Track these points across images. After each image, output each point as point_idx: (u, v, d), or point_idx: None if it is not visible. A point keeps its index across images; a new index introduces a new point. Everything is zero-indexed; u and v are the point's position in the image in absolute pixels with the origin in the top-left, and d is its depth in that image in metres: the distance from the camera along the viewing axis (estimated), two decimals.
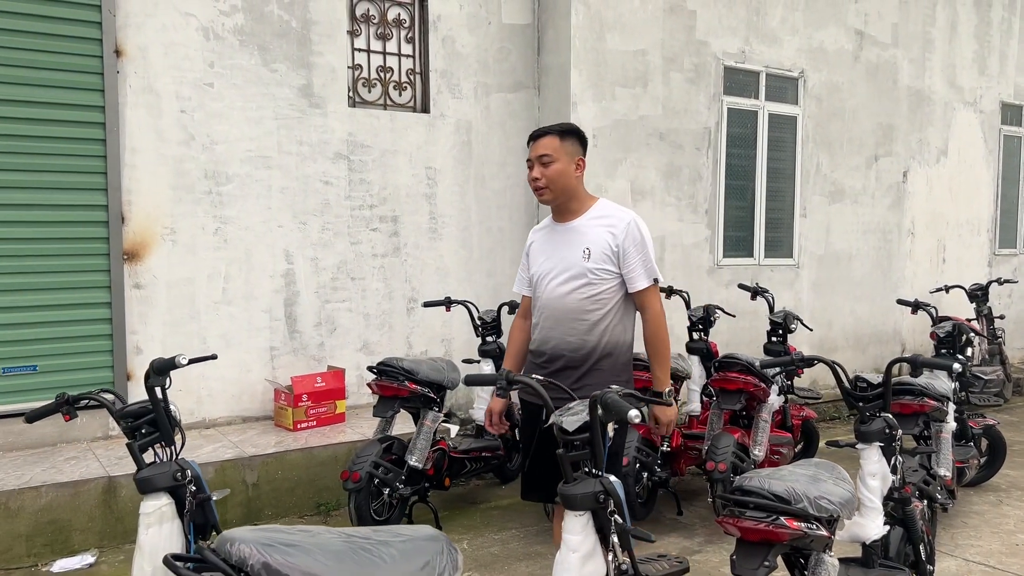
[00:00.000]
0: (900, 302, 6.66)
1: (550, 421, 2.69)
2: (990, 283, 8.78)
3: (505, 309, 5.74)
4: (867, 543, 3.59)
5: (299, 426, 5.64)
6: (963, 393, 5.93)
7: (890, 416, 3.67)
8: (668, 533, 5.00)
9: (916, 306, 6.78)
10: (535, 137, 3.44)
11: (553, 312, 3.44)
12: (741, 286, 6.35)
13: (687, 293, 6.16)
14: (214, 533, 3.04)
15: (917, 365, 3.54)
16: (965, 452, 5.41)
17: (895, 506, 3.76)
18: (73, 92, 5.20)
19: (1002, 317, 8.73)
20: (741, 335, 7.49)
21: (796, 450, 5.90)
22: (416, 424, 4.90)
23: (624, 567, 2.73)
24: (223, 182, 5.71)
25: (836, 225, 8.35)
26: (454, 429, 5.99)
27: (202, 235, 5.63)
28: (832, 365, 3.76)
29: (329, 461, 5.33)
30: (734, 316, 6.22)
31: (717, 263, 7.53)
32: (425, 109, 6.53)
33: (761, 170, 7.80)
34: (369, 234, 6.29)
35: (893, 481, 3.71)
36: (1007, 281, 8.90)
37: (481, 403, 5.64)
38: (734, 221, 7.67)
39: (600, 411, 2.54)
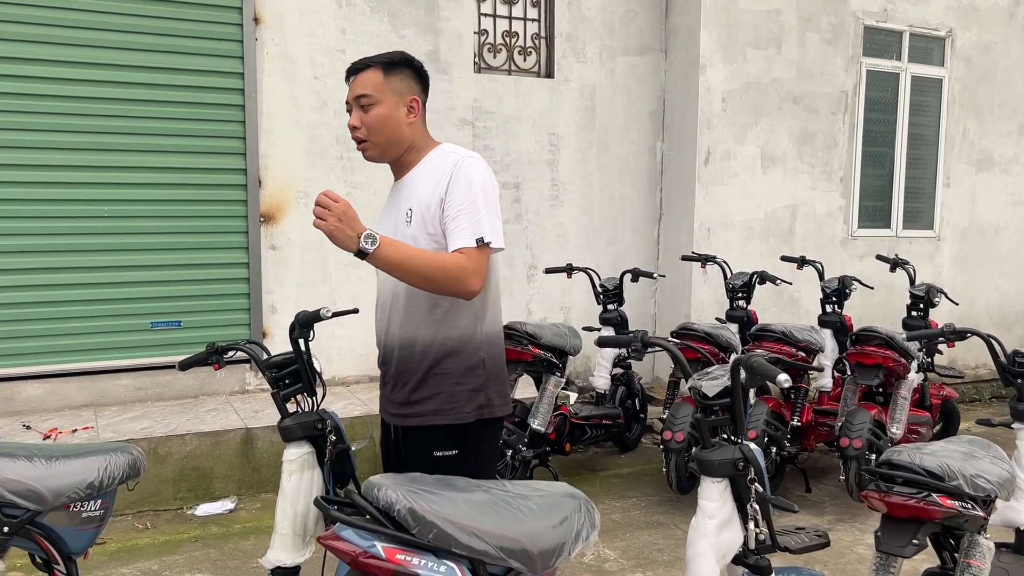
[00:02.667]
0: None
1: (688, 384, 2.62)
2: None
3: (628, 277, 5.65)
4: (1022, 528, 3.36)
5: None
6: None
7: None
8: (799, 511, 4.83)
9: None
10: (351, 72, 2.56)
11: (381, 298, 2.69)
12: (880, 257, 6.03)
13: (820, 264, 5.90)
14: (352, 482, 3.14)
15: None
16: None
17: None
18: (214, 59, 5.42)
19: None
20: (874, 309, 7.14)
21: (935, 431, 5.60)
22: (538, 388, 4.90)
23: (762, 537, 2.65)
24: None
25: (983, 195, 7.80)
26: (573, 396, 5.98)
27: None
28: (987, 339, 3.51)
29: None
30: (872, 288, 5.92)
31: (851, 234, 7.18)
32: (549, 74, 6.46)
33: (901, 136, 7.36)
34: None
35: None
36: None
37: (601, 371, 5.59)
38: (871, 190, 7.28)
39: (743, 375, 2.45)
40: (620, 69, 6.67)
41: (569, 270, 5.72)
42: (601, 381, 5.59)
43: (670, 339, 2.78)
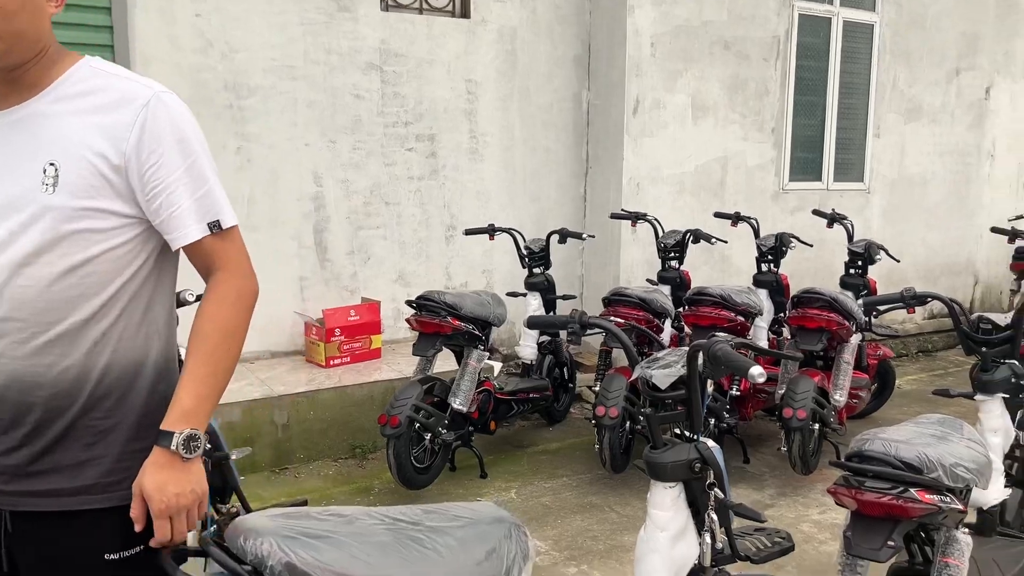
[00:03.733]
0: (995, 230, 6.01)
1: (635, 374, 2.19)
2: None
3: (555, 238, 5.20)
4: (984, 508, 3.10)
5: (332, 362, 5.22)
6: None
7: (1017, 363, 3.13)
8: (735, 484, 4.54)
9: (1014, 235, 6.12)
10: None
11: None
12: (816, 212, 5.75)
13: (755, 220, 5.58)
14: (237, 497, 2.64)
15: None
16: None
17: (1018, 467, 3.26)
18: None
19: None
20: (805, 266, 6.90)
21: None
22: (459, 363, 4.45)
23: (720, 547, 2.27)
24: (245, 95, 5.17)
25: (911, 146, 7.63)
26: (497, 367, 5.54)
27: (223, 153, 5.12)
28: (950, 303, 3.21)
29: (365, 401, 4.92)
30: (811, 246, 5.64)
31: (783, 187, 6.90)
32: (465, 14, 5.88)
33: (833, 84, 7.08)
34: (404, 154, 5.74)
35: (1018, 437, 3.20)
36: None
37: (527, 340, 5.17)
38: (802, 141, 6.99)
39: (703, 364, 2.04)
40: (542, 9, 6.14)
41: (491, 231, 5.24)
42: (527, 351, 5.16)
43: (607, 318, 2.34)
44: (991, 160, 8.22)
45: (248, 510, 2.63)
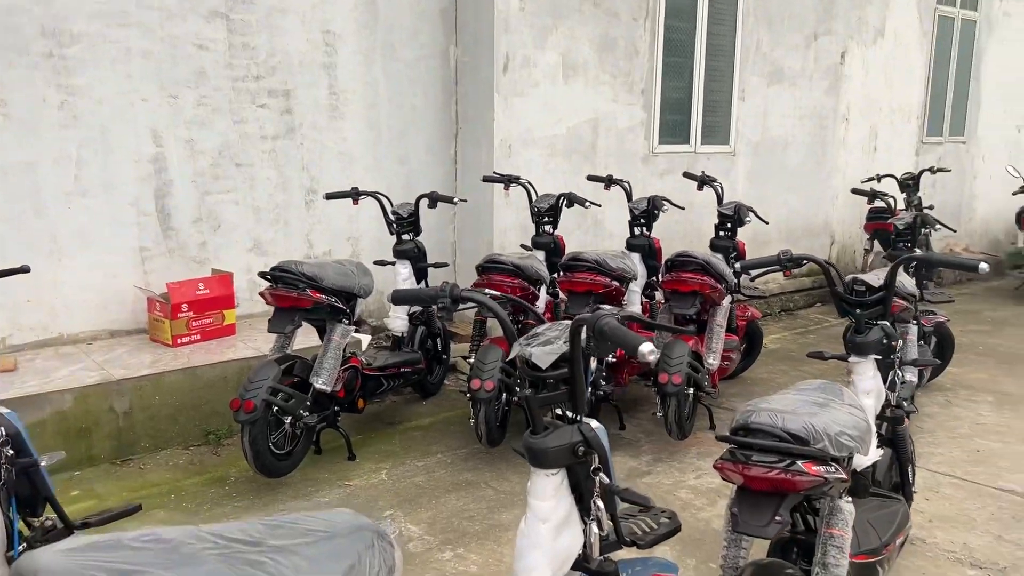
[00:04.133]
0: (856, 191, 6.19)
1: (513, 352, 1.97)
2: (922, 172, 8.43)
3: (424, 203, 4.91)
4: (858, 470, 3.10)
5: (179, 341, 4.76)
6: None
7: (888, 324, 3.13)
8: (613, 451, 4.44)
9: (874, 195, 6.32)
10: None
11: None
12: (687, 175, 5.71)
13: (628, 183, 5.47)
14: (52, 508, 2.25)
15: (933, 264, 2.98)
16: (924, 353, 5.04)
17: (886, 426, 3.28)
18: None
19: (931, 208, 8.44)
20: (676, 229, 6.92)
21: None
22: (322, 339, 4.11)
23: (605, 532, 2.10)
24: (67, 43, 4.56)
25: (774, 109, 7.77)
26: (365, 340, 5.23)
27: (44, 109, 4.52)
28: (824, 265, 3.17)
29: (217, 382, 4.51)
30: (683, 208, 5.59)
31: (653, 150, 6.85)
32: None
33: (700, 46, 7.06)
34: (256, 111, 5.27)
35: (889, 398, 3.21)
36: (940, 170, 8.57)
37: (398, 311, 4.88)
38: (671, 103, 6.96)
39: (588, 340, 1.83)
40: None
41: (355, 195, 4.88)
42: (398, 323, 4.88)
43: (482, 291, 2.10)
44: (846, 124, 8.51)
45: (66, 523, 2.25)
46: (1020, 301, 8.33)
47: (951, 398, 5.42)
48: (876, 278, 3.17)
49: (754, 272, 3.29)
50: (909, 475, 3.36)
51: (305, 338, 4.55)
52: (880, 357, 3.11)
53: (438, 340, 5.18)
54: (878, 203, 6.55)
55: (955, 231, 5.70)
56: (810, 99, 8.05)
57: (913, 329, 4.47)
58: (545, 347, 1.91)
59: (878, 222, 7.36)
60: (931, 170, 8.57)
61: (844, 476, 2.33)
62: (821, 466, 2.25)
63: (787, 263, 3.14)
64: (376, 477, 4.13)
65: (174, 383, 4.39)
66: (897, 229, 5.33)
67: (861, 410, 2.57)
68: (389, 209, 4.90)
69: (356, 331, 5.39)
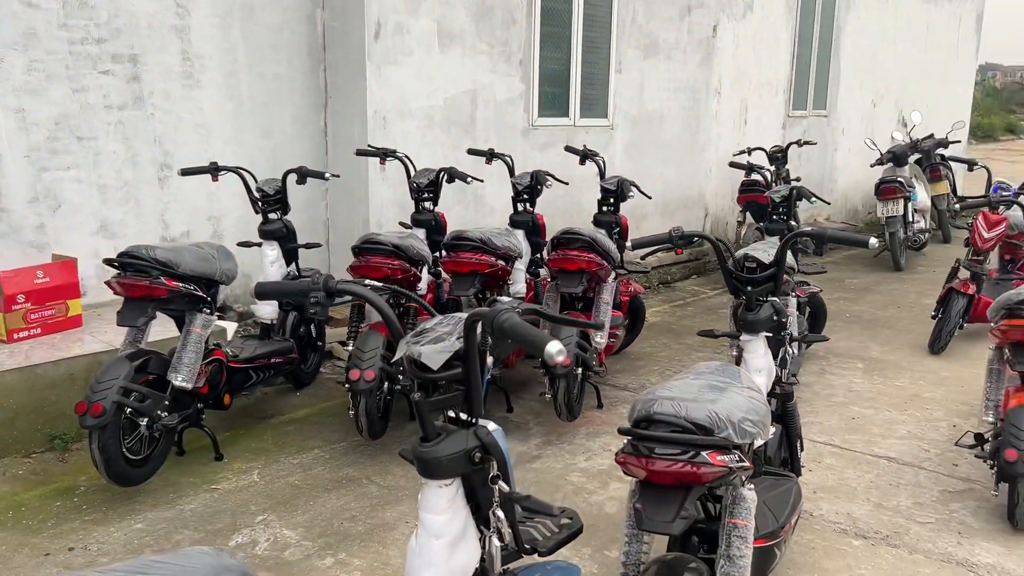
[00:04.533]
0: (733, 165, 6.24)
1: (400, 352, 1.74)
2: (790, 145, 8.70)
3: (292, 178, 4.55)
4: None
5: (17, 336, 4.24)
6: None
7: (778, 301, 3.09)
8: None
9: (751, 168, 6.40)
10: None
11: None
12: (569, 149, 5.57)
13: (510, 158, 5.29)
14: None
15: (825, 240, 2.94)
16: (801, 325, 5.13)
17: (776, 403, 3.26)
18: None
19: (798, 179, 8.72)
20: (557, 204, 6.80)
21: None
22: (181, 331, 3.73)
23: (505, 541, 1.92)
24: None
25: (650, 82, 7.76)
26: (231, 328, 4.85)
27: None
28: (715, 242, 3.09)
29: (62, 381, 4.04)
30: (567, 184, 5.46)
31: (532, 123, 6.69)
32: None
33: (578, 16, 6.93)
34: (98, 78, 4.74)
35: (777, 374, 3.19)
36: (807, 143, 8.87)
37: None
38: (550, 75, 6.81)
39: (484, 337, 1.63)
40: None
41: (214, 171, 4.47)
42: (267, 309, 4.53)
43: (362, 282, 1.85)
44: (718, 97, 8.63)
45: None
46: (878, 268, 8.74)
47: (824, 366, 5.58)
48: (766, 254, 3.13)
49: (644, 250, 3.17)
50: (798, 450, 3.36)
51: (162, 329, 4.14)
52: (770, 334, 3.07)
53: (312, 326, 4.87)
54: (754, 176, 6.65)
55: (829, 203, 5.84)
56: (684, 72, 8.10)
57: (792, 302, 4.51)
58: (436, 345, 1.69)
59: (750, 194, 7.51)
60: (798, 143, 8.85)
61: (747, 464, 2.24)
62: (726, 455, 2.14)
63: (679, 241, 3.04)
64: (247, 478, 3.81)
65: (10, 384, 3.89)
66: (773, 202, 5.41)
67: (759, 391, 2.49)
68: (253, 186, 4.52)
69: (222, 318, 4.99)
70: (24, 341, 4.26)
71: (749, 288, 3.03)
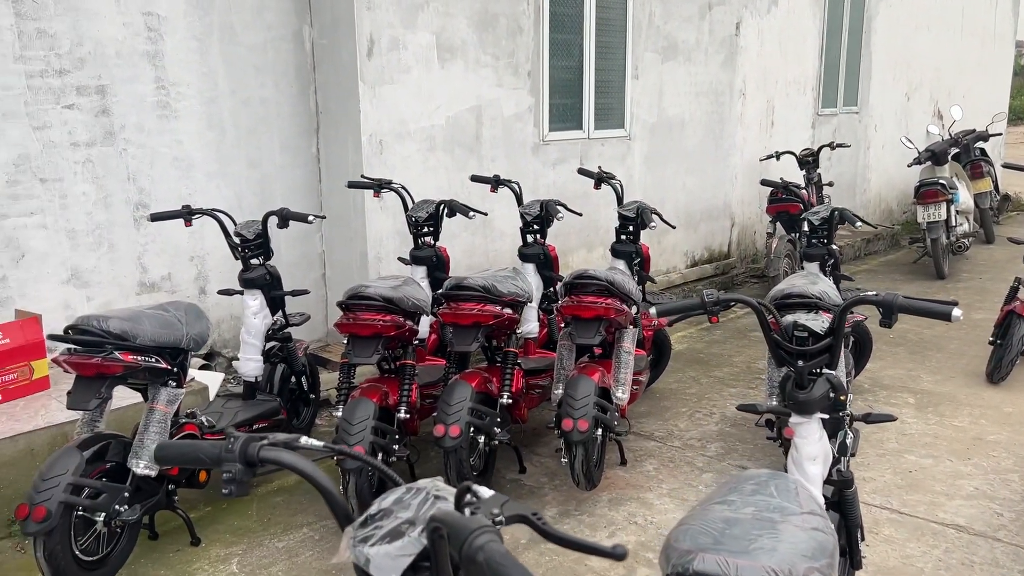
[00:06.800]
0: (766, 183, 5.71)
1: (343, 551, 1.27)
2: (821, 148, 8.13)
3: (273, 220, 4.09)
4: None
5: None
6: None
7: (834, 375, 2.58)
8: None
9: (786, 187, 5.86)
10: None
11: None
12: (582, 171, 5.06)
13: (517, 184, 4.80)
14: None
15: (895, 310, 2.41)
16: (847, 361, 4.61)
17: (834, 491, 2.76)
18: None
19: (831, 184, 8.17)
20: (570, 225, 6.31)
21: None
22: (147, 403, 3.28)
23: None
24: None
25: (669, 87, 7.23)
26: (216, 381, 4.42)
27: None
28: (758, 307, 2.58)
29: (21, 459, 3.61)
30: (580, 215, 4.96)
31: (543, 138, 6.19)
32: None
33: (590, 20, 6.42)
34: (62, 113, 4.31)
35: (835, 457, 2.68)
36: (840, 145, 8.29)
37: (249, 352, 4.08)
38: (561, 85, 6.30)
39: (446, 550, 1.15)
40: None
41: (187, 215, 4.02)
42: (250, 366, 4.09)
43: (299, 440, 1.37)
44: (743, 98, 8.07)
45: None
46: (919, 276, 8.16)
47: (871, 403, 5.05)
48: (819, 321, 2.62)
49: (672, 317, 2.67)
50: (857, 541, 2.86)
51: (123, 407, 3.71)
52: (827, 416, 2.57)
53: (304, 379, 4.42)
54: (790, 191, 6.09)
55: (876, 227, 5.29)
56: (706, 74, 7.56)
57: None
58: (391, 546, 1.22)
59: (781, 204, 6.97)
60: (831, 146, 8.28)
61: None
62: None
63: (713, 308, 2.53)
64: (225, 569, 3.36)
65: None
66: (812, 224, 4.88)
67: (824, 517, 1.99)
68: (232, 230, 4.06)
69: (206, 367, 4.57)
70: None
71: (800, 363, 2.53)
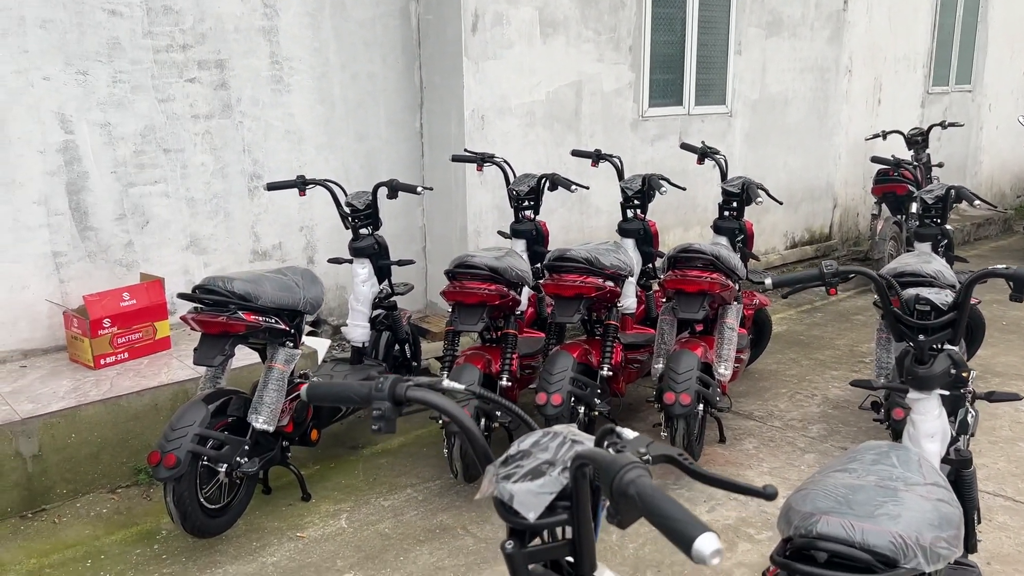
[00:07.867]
0: (876, 160, 5.53)
1: (485, 487, 1.32)
2: (931, 127, 7.80)
3: (383, 192, 4.21)
4: None
5: (103, 362, 4.08)
6: None
7: (956, 350, 2.51)
8: None
9: (897, 164, 5.66)
10: None
11: None
12: (685, 146, 5.01)
13: (619, 159, 4.79)
14: None
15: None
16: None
17: (951, 470, 2.68)
18: None
19: (940, 165, 7.84)
20: (668, 200, 6.25)
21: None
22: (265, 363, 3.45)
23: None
24: None
25: (772, 63, 7.05)
26: (324, 346, 4.59)
27: None
28: (879, 279, 2.52)
29: (147, 412, 3.85)
30: (684, 189, 4.92)
31: (642, 114, 6.14)
32: None
33: None
34: (184, 87, 4.52)
35: (959, 440, 2.61)
36: (952, 124, 7.94)
37: (357, 318, 4.22)
38: (662, 60, 6.23)
39: (592, 483, 1.20)
40: None
41: (302, 185, 4.17)
42: (357, 332, 4.22)
43: (437, 389, 1.43)
44: (849, 75, 7.81)
45: None
46: None
47: (983, 390, 4.85)
48: (942, 295, 2.54)
49: (787, 289, 2.63)
50: (974, 523, 2.78)
51: (246, 357, 3.89)
52: (947, 392, 2.50)
53: (407, 347, 4.54)
54: (901, 171, 5.87)
55: (995, 207, 5.06)
56: (811, 50, 7.34)
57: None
58: (532, 484, 1.26)
59: (887, 184, 6.72)
60: (942, 125, 7.94)
61: None
62: None
63: (832, 279, 2.49)
64: (334, 524, 3.50)
65: (93, 417, 3.72)
66: (925, 203, 4.71)
67: (948, 489, 1.95)
68: (343, 200, 4.20)
69: (313, 334, 4.73)
70: (112, 366, 4.10)
71: (921, 337, 2.47)
